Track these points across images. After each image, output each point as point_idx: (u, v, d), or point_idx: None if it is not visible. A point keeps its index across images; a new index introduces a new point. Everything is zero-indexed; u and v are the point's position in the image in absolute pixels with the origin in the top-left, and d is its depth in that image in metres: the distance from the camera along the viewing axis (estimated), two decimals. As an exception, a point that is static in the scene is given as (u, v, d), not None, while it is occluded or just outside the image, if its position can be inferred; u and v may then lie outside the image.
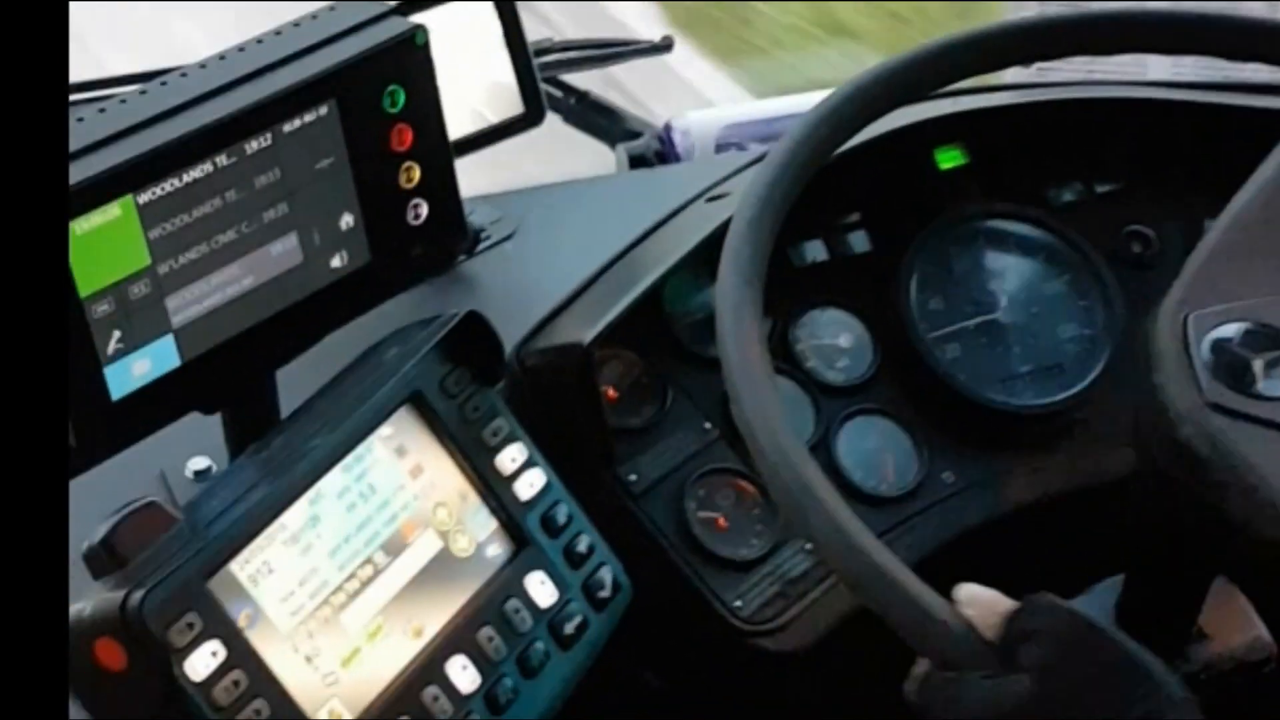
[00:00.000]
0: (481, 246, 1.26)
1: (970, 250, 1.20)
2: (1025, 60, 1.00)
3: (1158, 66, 1.35)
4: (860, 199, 1.21)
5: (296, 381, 0.98)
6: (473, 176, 1.10)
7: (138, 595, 0.75)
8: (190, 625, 0.78)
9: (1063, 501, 1.15)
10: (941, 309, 1.17)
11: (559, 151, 1.55)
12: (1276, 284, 0.81)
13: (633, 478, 1.06)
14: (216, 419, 0.98)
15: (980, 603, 0.78)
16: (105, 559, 0.79)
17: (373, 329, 1.01)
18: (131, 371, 0.87)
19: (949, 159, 1.23)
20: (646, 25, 3.05)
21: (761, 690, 1.12)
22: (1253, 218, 0.84)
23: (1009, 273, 1.20)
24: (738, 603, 1.05)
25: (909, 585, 0.77)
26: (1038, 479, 1.15)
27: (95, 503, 0.84)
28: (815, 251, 1.19)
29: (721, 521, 1.07)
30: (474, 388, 0.94)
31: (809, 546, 1.08)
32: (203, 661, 0.78)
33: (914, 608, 0.77)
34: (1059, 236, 1.21)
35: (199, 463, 1.03)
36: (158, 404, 0.89)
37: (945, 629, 0.77)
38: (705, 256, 1.10)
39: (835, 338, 1.17)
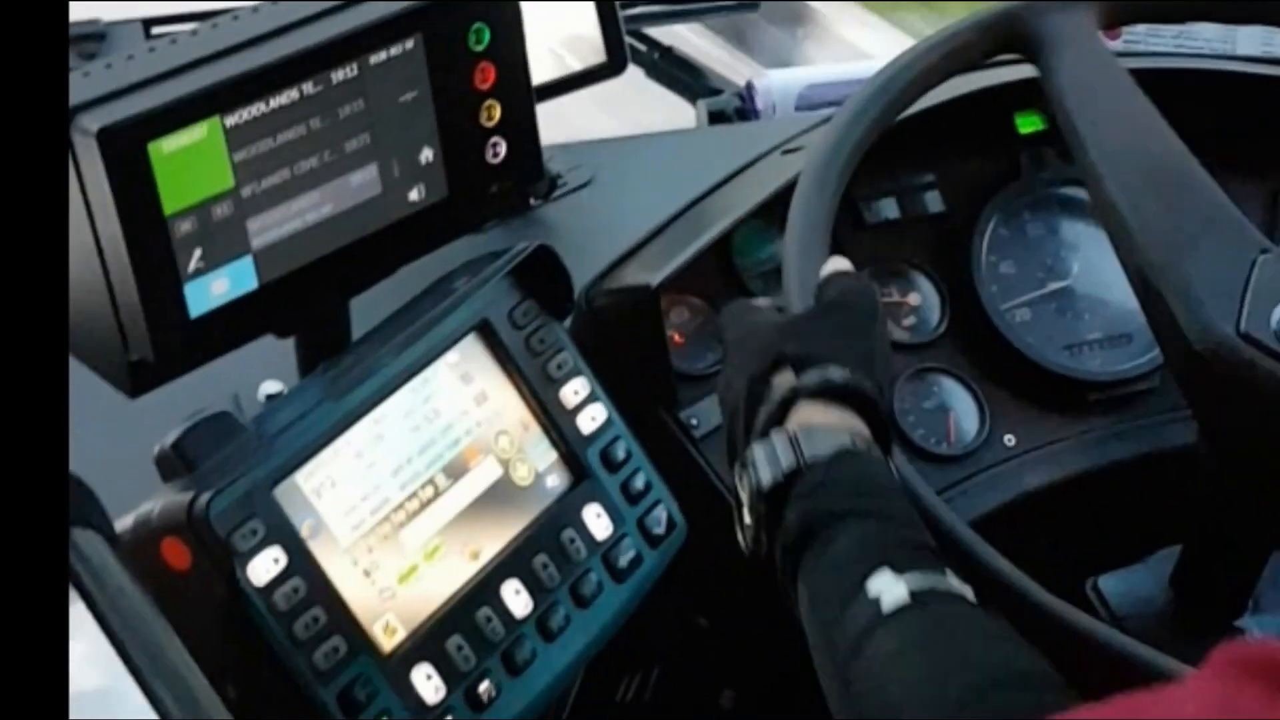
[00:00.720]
0: (557, 193, 1.28)
1: (1045, 216, 1.20)
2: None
3: (1247, 42, 1.33)
4: (936, 160, 1.21)
5: (370, 312, 1.00)
6: (550, 128, 1.12)
7: (205, 498, 0.78)
8: (254, 531, 0.80)
9: (1123, 470, 1.15)
10: (1013, 273, 1.17)
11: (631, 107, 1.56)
12: None
13: (694, 421, 1.07)
14: (291, 344, 1.00)
15: (834, 266, 0.89)
16: (175, 462, 0.82)
17: (446, 266, 1.03)
18: (210, 290, 0.89)
19: (1028, 124, 1.22)
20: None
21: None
22: None
23: (1083, 240, 1.20)
24: (791, 550, 1.06)
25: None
26: (1099, 447, 1.15)
27: (169, 416, 0.87)
28: (888, 210, 1.20)
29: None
30: (541, 320, 0.96)
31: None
32: (264, 567, 0.80)
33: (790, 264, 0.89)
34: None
35: (271, 386, 1.06)
36: (234, 324, 0.91)
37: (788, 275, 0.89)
38: (777, 208, 1.11)
39: (904, 295, 1.17)
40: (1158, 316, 0.87)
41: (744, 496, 0.81)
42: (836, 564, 0.74)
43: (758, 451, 0.79)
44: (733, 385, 0.85)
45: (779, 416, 0.80)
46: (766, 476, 0.78)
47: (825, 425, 0.79)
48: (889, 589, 0.70)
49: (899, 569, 0.71)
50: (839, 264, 0.90)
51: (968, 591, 0.72)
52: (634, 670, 1.25)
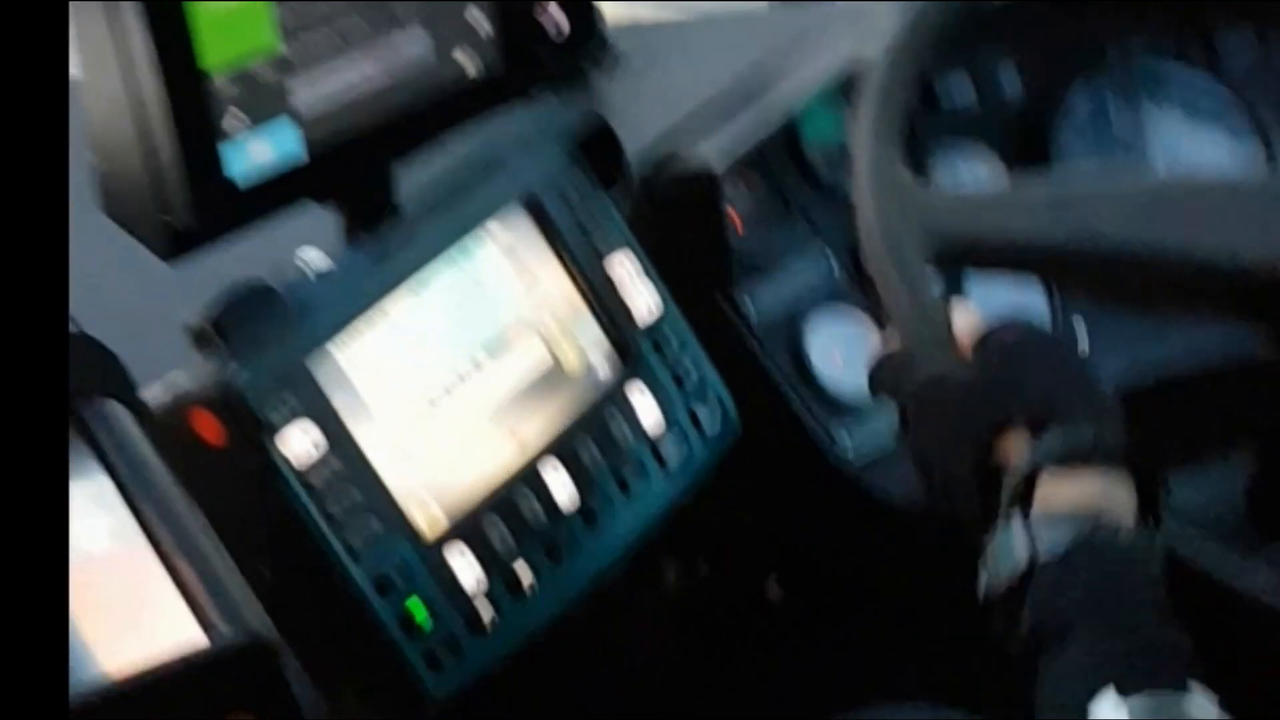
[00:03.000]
0: (618, 72, 1.23)
1: (1130, 100, 1.14)
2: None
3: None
4: (1015, 43, 1.15)
5: (415, 182, 0.97)
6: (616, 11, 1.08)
7: (236, 369, 0.75)
8: (287, 404, 0.78)
9: (1196, 373, 1.10)
10: (1093, 158, 1.12)
11: None
12: None
13: (751, 307, 1.03)
14: (332, 213, 0.97)
15: (970, 312, 0.80)
16: (209, 334, 0.79)
17: (496, 134, 0.99)
18: (251, 153, 0.86)
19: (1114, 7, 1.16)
20: None
21: (864, 540, 1.10)
22: None
23: (1168, 127, 1.14)
24: (847, 441, 1.02)
25: (916, 282, 0.79)
26: (1175, 345, 1.10)
27: (206, 286, 0.84)
28: (965, 92, 1.14)
29: (839, 358, 1.05)
30: (591, 193, 0.91)
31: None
32: (299, 442, 0.78)
33: (910, 296, 0.78)
34: (1225, 91, 1.14)
35: (310, 255, 1.02)
36: (275, 188, 0.88)
37: (927, 315, 0.78)
38: (846, 87, 1.06)
39: (977, 180, 1.12)
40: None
41: (982, 582, 0.73)
42: (1064, 677, 0.68)
43: (994, 544, 0.72)
44: (945, 456, 0.76)
45: (1023, 491, 0.72)
46: (1002, 574, 0.71)
47: (1069, 507, 0.70)
48: (1112, 715, 0.64)
49: (1126, 690, 0.64)
50: (969, 312, 0.80)
51: (1211, 710, 0.65)
52: (681, 560, 1.23)
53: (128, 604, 0.58)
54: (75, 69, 0.88)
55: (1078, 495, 0.70)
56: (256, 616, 0.55)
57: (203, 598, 0.55)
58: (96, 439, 0.60)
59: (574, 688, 1.18)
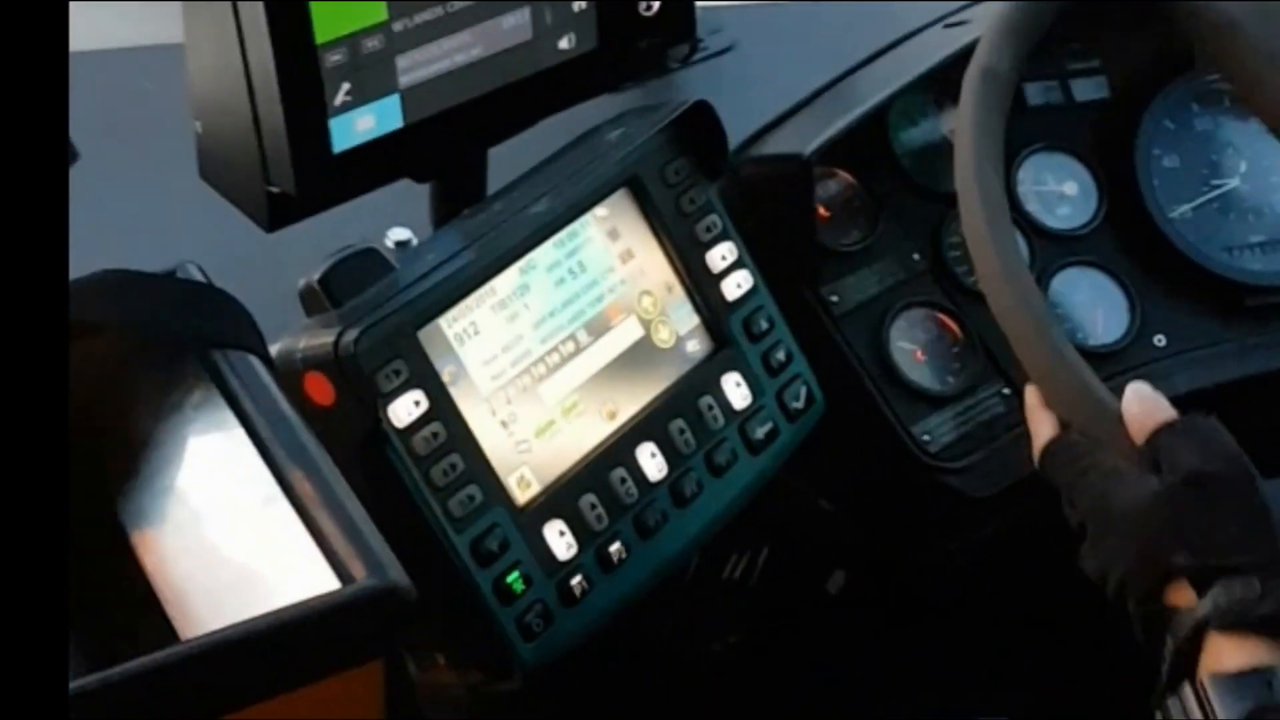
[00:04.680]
0: (697, 57, 1.24)
1: (1214, 111, 1.14)
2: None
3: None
4: (1102, 44, 1.16)
5: (503, 169, 0.98)
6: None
7: (351, 334, 0.76)
8: (397, 372, 0.79)
9: (1275, 381, 1.10)
10: (1176, 167, 1.12)
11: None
12: None
13: (835, 299, 1.04)
14: (418, 194, 0.98)
15: (1143, 399, 0.77)
16: (321, 297, 0.80)
17: (584, 124, 1.00)
18: (355, 126, 0.87)
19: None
20: None
21: (934, 530, 1.11)
22: None
23: (1252, 139, 1.14)
24: (925, 436, 1.03)
25: (1076, 363, 0.79)
26: (1253, 354, 1.10)
27: (303, 254, 0.85)
28: (1050, 93, 1.14)
29: (919, 354, 1.05)
30: (693, 179, 0.93)
31: (1005, 391, 1.05)
32: (406, 409, 0.79)
33: (1074, 379, 0.78)
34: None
35: (399, 234, 1.04)
36: (376, 162, 0.89)
37: (1100, 405, 0.77)
38: (937, 83, 1.07)
39: (1060, 184, 1.12)
40: None
41: None
42: None
43: (1166, 709, 0.71)
44: (1114, 574, 0.74)
45: (1188, 651, 0.70)
46: None
47: (1240, 672, 0.68)
48: None
49: None
50: (1147, 396, 0.77)
51: None
52: (743, 549, 1.24)
53: (263, 554, 0.59)
54: (175, 35, 0.89)
55: (1248, 656, 0.69)
56: (394, 566, 0.56)
57: (341, 546, 0.56)
58: (231, 390, 0.61)
59: (635, 674, 1.18)
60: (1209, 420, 0.77)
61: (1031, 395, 0.83)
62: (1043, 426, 0.81)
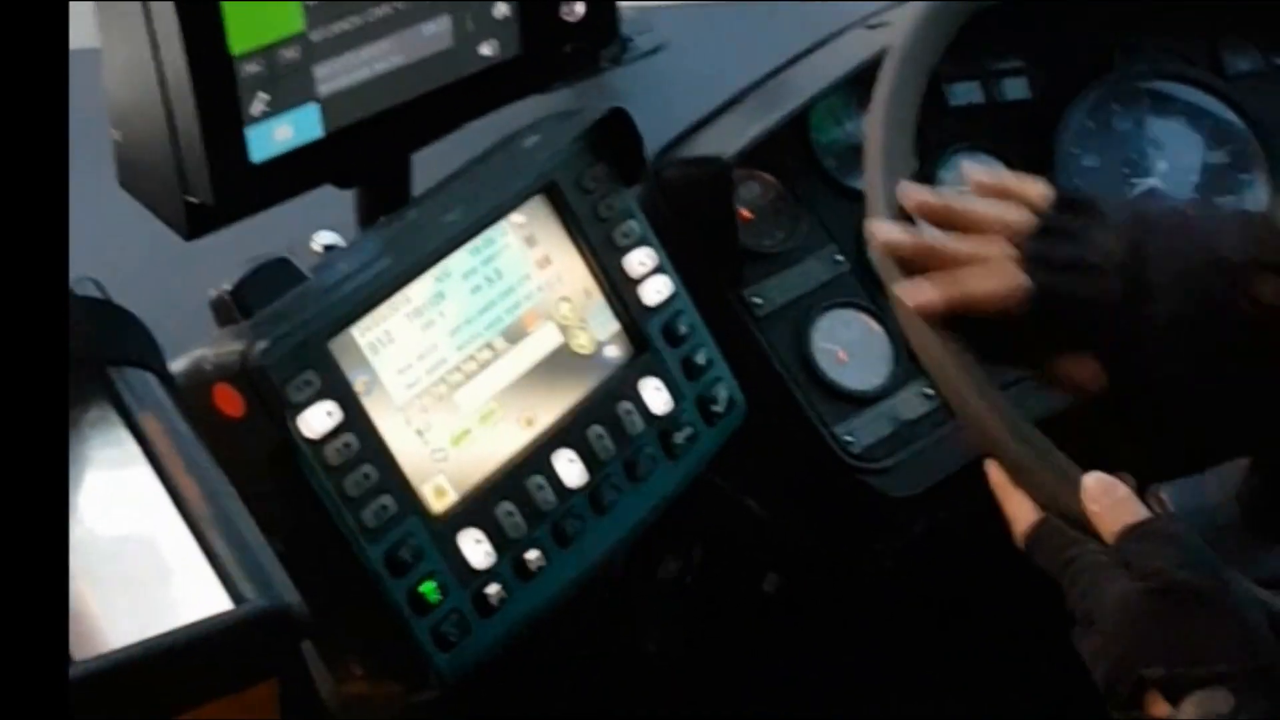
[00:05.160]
0: (627, 57, 1.24)
1: (1134, 111, 1.15)
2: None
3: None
4: (1024, 45, 1.16)
5: (431, 171, 0.98)
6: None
7: (261, 345, 0.76)
8: (308, 383, 0.79)
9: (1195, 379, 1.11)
10: (1095, 167, 1.13)
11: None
12: None
13: (758, 300, 1.05)
14: (347, 196, 0.98)
15: (1106, 491, 0.75)
16: (232, 308, 0.80)
17: (511, 127, 1.00)
18: (274, 135, 0.87)
19: (1124, 14, 1.17)
20: None
21: (860, 531, 1.12)
22: None
23: (1171, 138, 1.15)
24: (848, 437, 1.04)
25: (1045, 451, 0.77)
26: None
27: (224, 263, 0.85)
28: (971, 93, 1.15)
29: (842, 354, 1.06)
30: (611, 186, 0.93)
31: (928, 391, 1.06)
32: (317, 420, 0.79)
33: (1037, 458, 0.76)
34: (1230, 105, 1.15)
35: (327, 238, 1.03)
36: (296, 171, 0.89)
37: (1069, 501, 0.75)
38: (858, 84, 1.07)
39: (979, 182, 1.13)
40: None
41: None
42: None
43: None
44: (1099, 677, 0.73)
45: None
46: None
47: None
48: None
49: None
50: (1108, 489, 0.76)
51: None
52: (677, 550, 1.25)
53: (156, 573, 0.59)
54: (94, 40, 0.89)
55: None
56: (286, 587, 0.56)
57: (233, 567, 0.56)
58: (127, 407, 0.61)
59: (570, 676, 1.19)
60: (1176, 522, 0.76)
61: (996, 472, 0.79)
62: (1020, 509, 0.78)
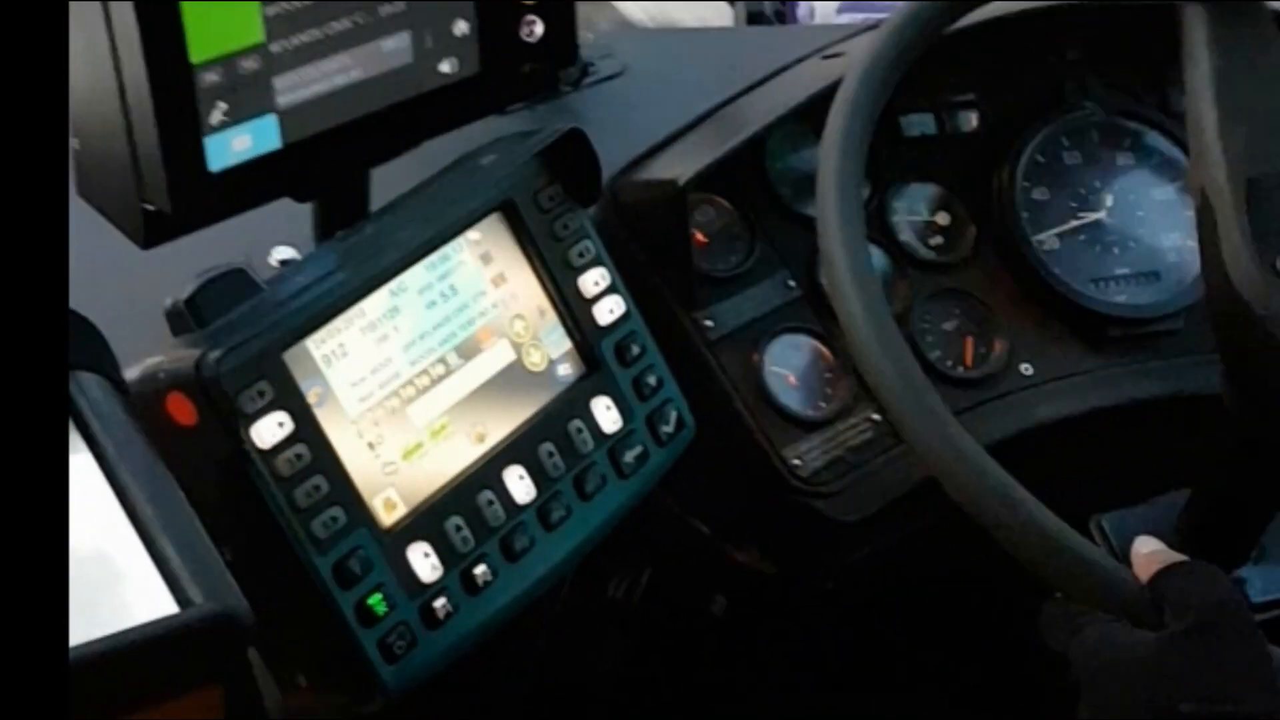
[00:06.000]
0: (587, 81, 1.25)
1: (1083, 145, 1.17)
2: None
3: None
4: (977, 78, 1.18)
5: (389, 188, 0.98)
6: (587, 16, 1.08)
7: (214, 355, 0.76)
8: (261, 393, 0.79)
9: (1138, 410, 1.13)
10: (1046, 199, 1.15)
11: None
12: None
13: (710, 323, 1.06)
14: (305, 211, 0.98)
15: (1149, 545, 0.78)
16: (187, 317, 0.80)
17: (469, 146, 1.00)
18: (232, 145, 0.87)
19: (1074, 50, 1.20)
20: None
21: (806, 554, 1.12)
22: None
23: (1120, 173, 1.17)
24: (796, 461, 1.05)
25: (1060, 532, 0.76)
26: (1117, 384, 1.13)
27: (180, 272, 0.85)
28: (924, 125, 1.17)
29: (792, 379, 1.07)
30: (567, 206, 0.94)
31: (875, 416, 1.08)
32: (269, 430, 0.79)
33: (1068, 554, 0.75)
34: (1176, 142, 1.18)
35: (284, 252, 1.04)
36: (254, 182, 0.89)
37: (1103, 576, 0.75)
38: (813, 113, 1.09)
39: (933, 214, 1.15)
40: (1207, 243, 0.84)
41: None
42: None
43: None
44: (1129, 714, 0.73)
45: None
46: None
47: None
48: None
49: None
50: (1154, 547, 0.78)
51: None
52: (625, 570, 1.25)
53: (104, 576, 0.59)
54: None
55: None
56: (232, 592, 0.57)
57: (180, 571, 0.56)
58: (79, 412, 0.62)
59: (515, 693, 1.19)
60: (1210, 566, 0.77)
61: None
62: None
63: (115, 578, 0.59)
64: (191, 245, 0.89)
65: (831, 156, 0.86)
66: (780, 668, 1.30)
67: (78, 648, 0.55)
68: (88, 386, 0.63)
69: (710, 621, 1.26)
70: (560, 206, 0.94)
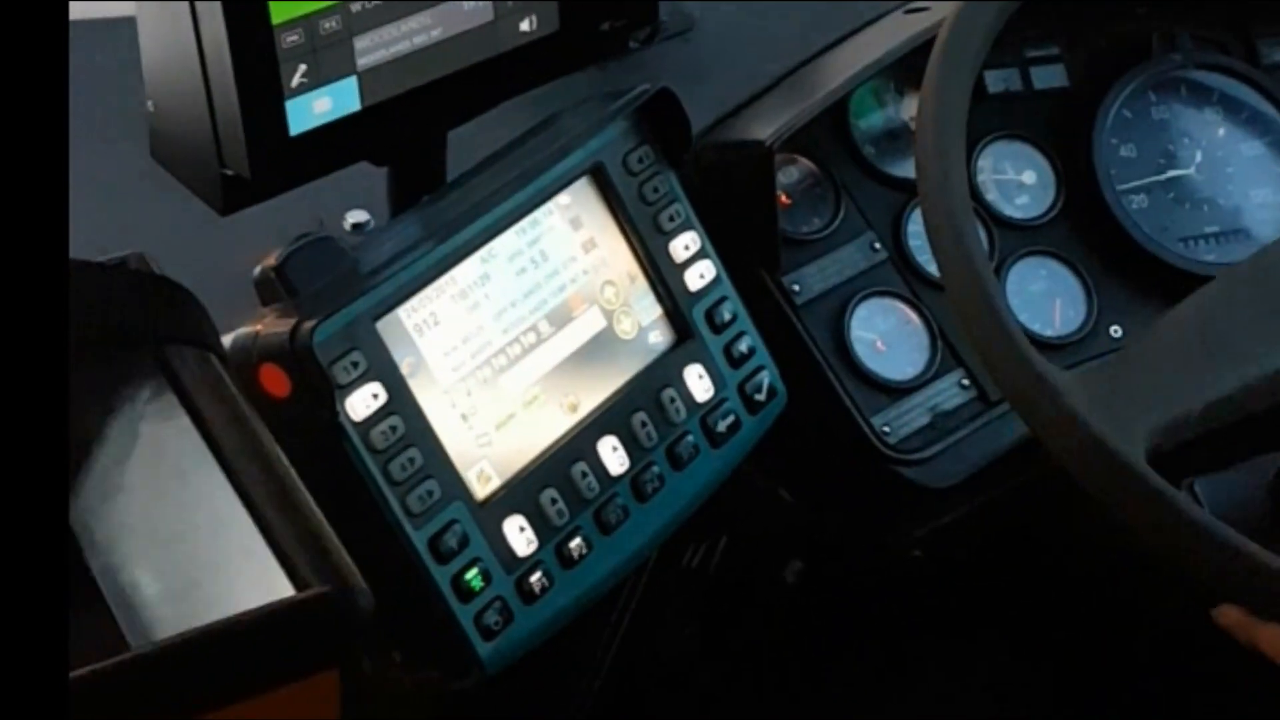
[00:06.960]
0: (658, 38, 1.22)
1: (1171, 101, 1.14)
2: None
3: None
4: (1061, 31, 1.15)
5: (465, 151, 0.96)
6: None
7: (308, 326, 0.74)
8: (355, 364, 0.77)
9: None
10: (1133, 157, 1.12)
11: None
12: None
13: (796, 287, 1.03)
14: (378, 176, 0.96)
15: None
16: (276, 286, 0.78)
17: (545, 107, 0.98)
18: (312, 108, 0.85)
19: (1159, 1, 1.16)
20: None
21: (894, 521, 1.10)
22: None
23: (1208, 128, 1.14)
24: (885, 427, 1.03)
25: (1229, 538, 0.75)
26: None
27: (256, 239, 0.83)
28: (1009, 81, 1.14)
29: (880, 344, 1.05)
30: (657, 168, 0.91)
31: (965, 381, 1.05)
32: (363, 402, 0.77)
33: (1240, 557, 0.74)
34: (1266, 96, 1.14)
35: (357, 216, 1.02)
36: (333, 145, 0.87)
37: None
38: (899, 69, 1.06)
39: (1019, 173, 1.12)
40: None
41: None
42: None
43: None
44: None
45: None
46: None
47: None
48: None
49: None
50: None
51: None
52: (702, 538, 1.23)
53: (215, 558, 0.58)
54: (129, 8, 0.87)
55: None
56: (351, 572, 0.55)
57: (296, 553, 0.54)
58: (185, 387, 0.60)
59: (594, 669, 1.18)
60: None
61: (1230, 614, 0.79)
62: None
63: (229, 559, 0.57)
64: (260, 210, 0.87)
65: (932, 129, 0.83)
66: (855, 634, 1.28)
67: (193, 631, 0.53)
68: (192, 360, 0.61)
69: (783, 588, 1.25)
70: (650, 169, 0.91)
